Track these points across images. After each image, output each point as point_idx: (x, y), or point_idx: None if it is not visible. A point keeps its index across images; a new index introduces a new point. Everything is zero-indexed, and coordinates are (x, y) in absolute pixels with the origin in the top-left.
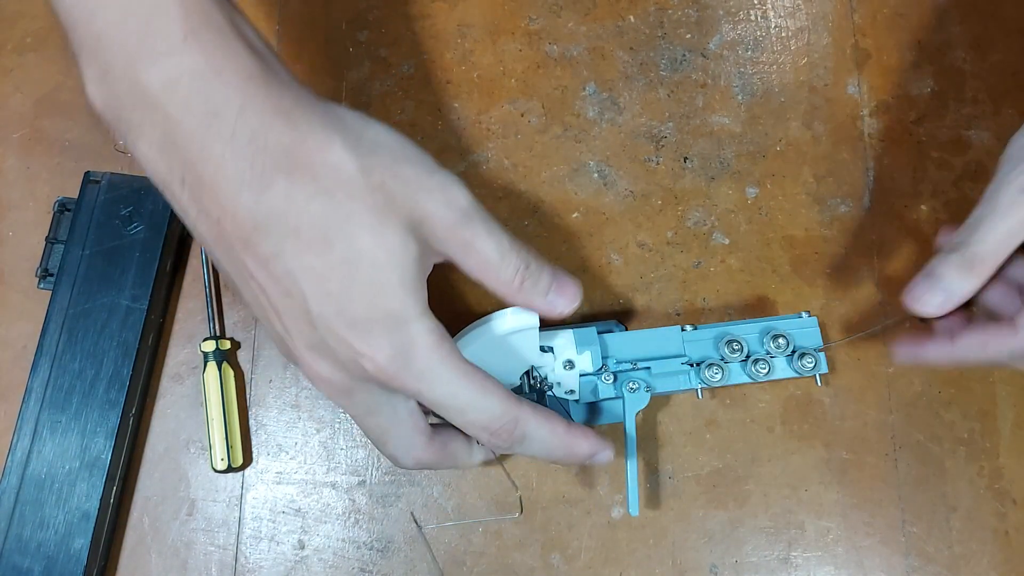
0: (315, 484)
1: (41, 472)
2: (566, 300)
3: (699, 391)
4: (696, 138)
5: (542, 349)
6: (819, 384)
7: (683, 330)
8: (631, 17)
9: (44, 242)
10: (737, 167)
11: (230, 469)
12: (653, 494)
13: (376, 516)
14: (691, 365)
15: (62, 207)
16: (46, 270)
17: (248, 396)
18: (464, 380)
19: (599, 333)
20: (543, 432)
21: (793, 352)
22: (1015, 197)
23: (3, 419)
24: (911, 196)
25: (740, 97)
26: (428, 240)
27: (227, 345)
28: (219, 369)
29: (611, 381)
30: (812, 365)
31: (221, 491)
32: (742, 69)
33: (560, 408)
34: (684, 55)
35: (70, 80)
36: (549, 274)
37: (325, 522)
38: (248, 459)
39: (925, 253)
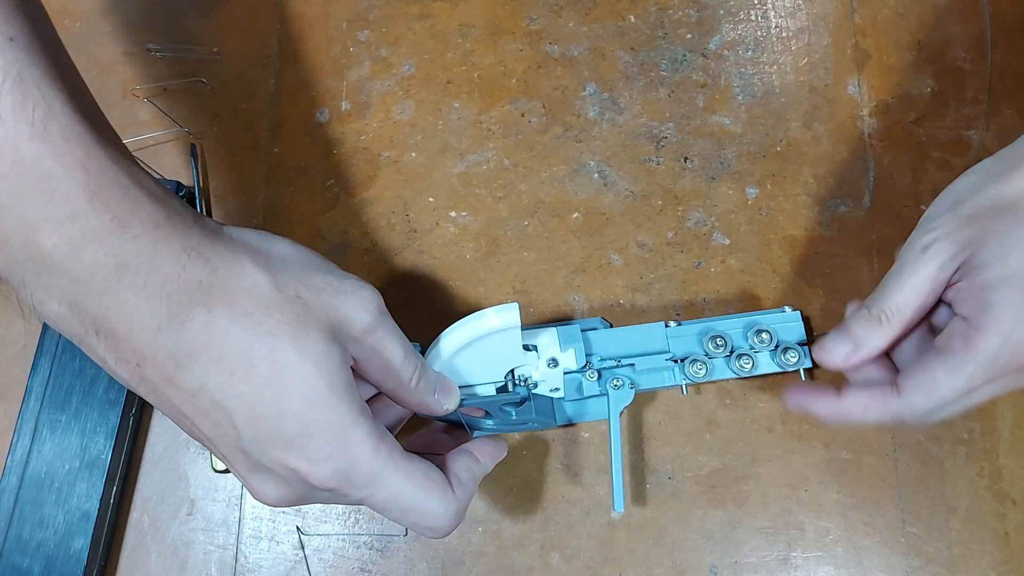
0: None
1: (41, 471)
2: (450, 399)
3: (684, 387)
4: (696, 138)
5: (526, 348)
6: (803, 379)
7: (667, 326)
8: (631, 17)
9: None
10: (737, 167)
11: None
12: (653, 494)
13: (376, 516)
14: (675, 361)
15: None
16: None
17: None
18: (408, 485)
19: (583, 331)
20: (472, 494)
21: (777, 347)
22: (918, 255)
23: (3, 418)
24: (911, 196)
25: (740, 97)
26: (347, 344)
27: None
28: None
29: (595, 378)
30: (796, 360)
31: (221, 491)
32: (742, 69)
33: (547, 406)
34: (684, 55)
35: None
36: (434, 375)
37: (325, 522)
38: None
39: None
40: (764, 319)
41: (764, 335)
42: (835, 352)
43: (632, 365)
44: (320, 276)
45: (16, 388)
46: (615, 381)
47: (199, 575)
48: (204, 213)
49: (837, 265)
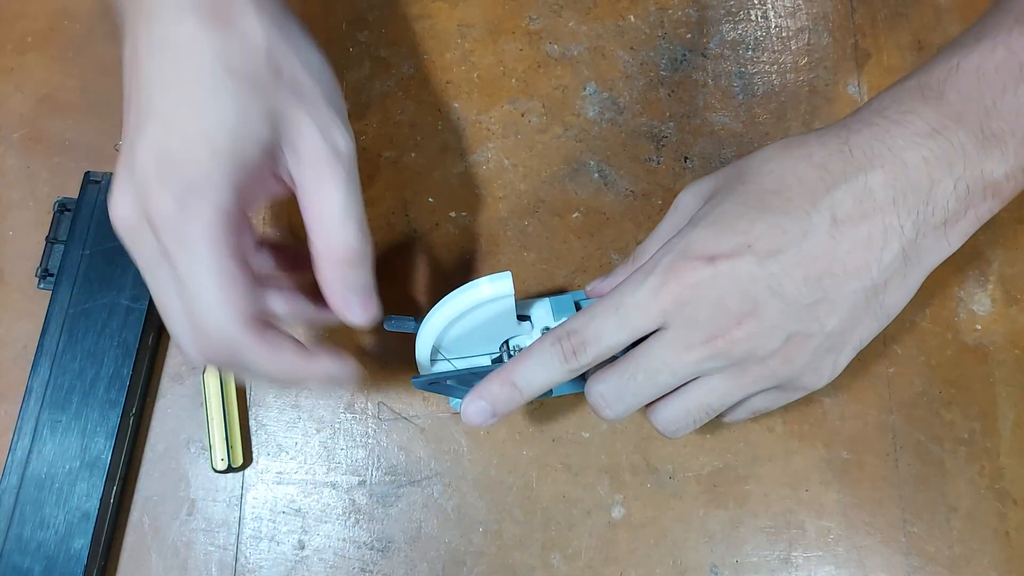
0: (315, 484)
1: (41, 472)
2: (364, 311)
3: None
4: (696, 138)
5: (520, 318)
6: None
7: None
8: (631, 17)
9: (44, 242)
10: None
11: (230, 469)
12: (654, 494)
13: (376, 516)
14: None
15: (62, 207)
16: (46, 270)
17: (248, 396)
18: (213, 271)
19: (576, 302)
20: (267, 366)
21: None
22: (671, 209)
23: (3, 419)
24: None
25: (740, 97)
26: (282, 148)
27: None
28: (219, 369)
29: None
30: None
31: (221, 491)
32: (742, 69)
33: None
34: (684, 55)
35: (70, 80)
36: (369, 279)
37: (325, 522)
38: (248, 459)
39: None
40: None
41: None
42: (594, 284)
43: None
44: (313, 84)
45: (16, 388)
46: None
47: (199, 575)
48: None
49: None
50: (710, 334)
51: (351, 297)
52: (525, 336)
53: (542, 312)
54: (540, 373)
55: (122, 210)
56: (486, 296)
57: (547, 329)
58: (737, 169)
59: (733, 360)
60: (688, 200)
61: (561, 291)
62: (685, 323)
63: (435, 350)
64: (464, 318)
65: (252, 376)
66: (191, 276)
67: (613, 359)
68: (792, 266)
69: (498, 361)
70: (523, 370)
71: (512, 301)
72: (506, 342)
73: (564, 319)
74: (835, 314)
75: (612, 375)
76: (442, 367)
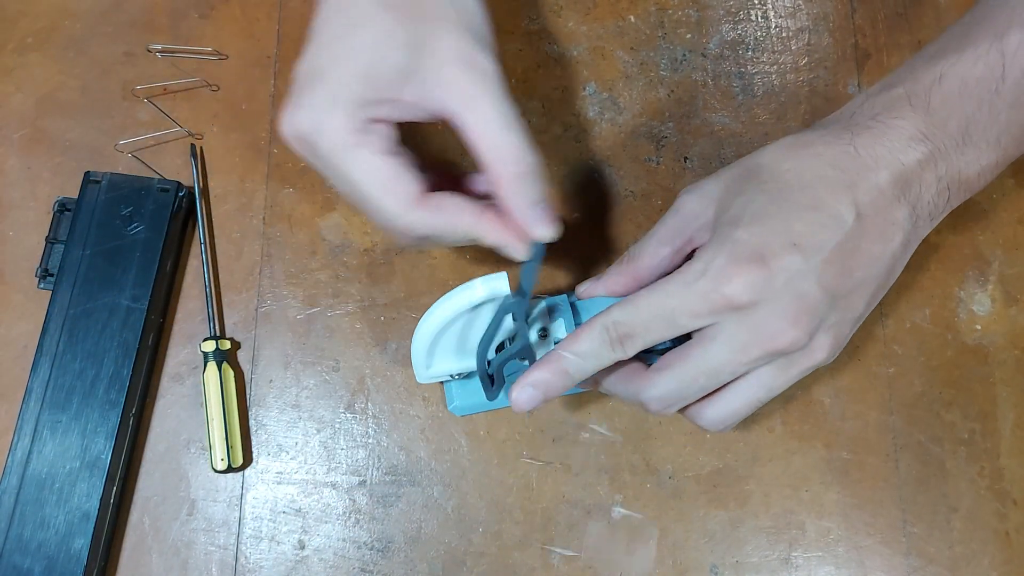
0: (315, 484)
1: (41, 472)
2: (550, 223)
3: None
4: (696, 138)
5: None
6: None
7: None
8: (631, 17)
9: (44, 242)
10: None
11: (230, 469)
12: (654, 494)
13: (376, 516)
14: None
15: (62, 207)
16: (46, 270)
17: (248, 396)
18: (366, 172)
19: (571, 303)
20: (447, 231)
21: None
22: (668, 212)
23: (3, 419)
24: None
25: (740, 97)
26: (429, 78)
27: (227, 345)
28: (219, 369)
29: None
30: None
31: (221, 491)
32: (742, 69)
33: None
34: (684, 55)
35: (71, 80)
36: (543, 188)
37: (325, 522)
38: (248, 459)
39: (924, 253)
40: None
41: None
42: (586, 285)
43: None
44: (457, 20)
45: (16, 388)
46: None
47: (200, 575)
48: (204, 213)
49: None
50: (768, 335)
51: (535, 211)
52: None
53: (538, 312)
54: (590, 359)
55: (285, 126)
56: (481, 296)
57: (544, 329)
58: (746, 170)
59: (786, 355)
60: (693, 202)
61: (558, 292)
62: (743, 324)
63: (431, 353)
64: (460, 319)
65: (451, 242)
66: (351, 181)
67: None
68: (832, 259)
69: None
70: (573, 356)
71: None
72: (503, 343)
73: (560, 319)
74: (863, 300)
75: (671, 380)
76: (439, 369)
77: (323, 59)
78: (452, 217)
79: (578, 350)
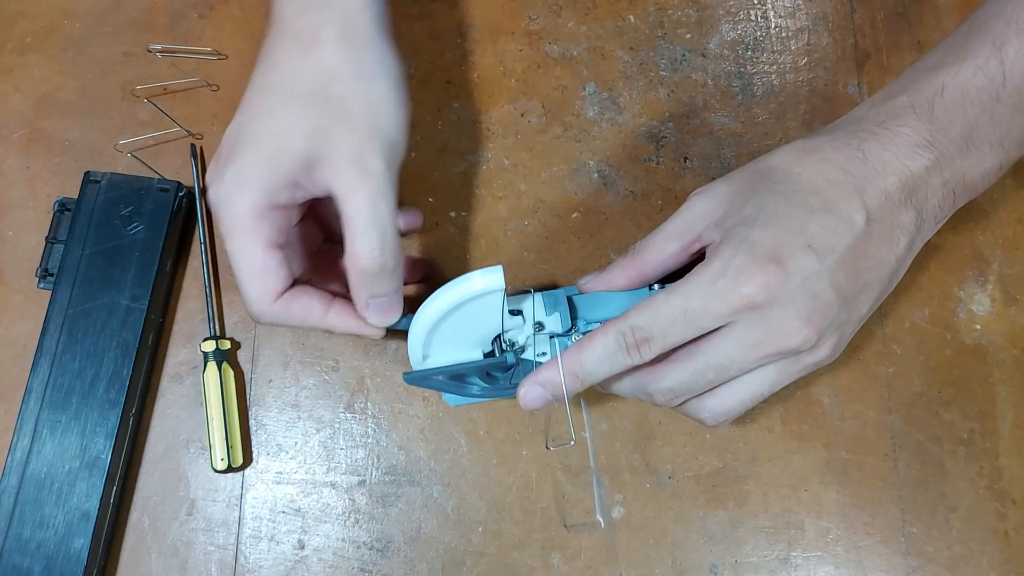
0: (315, 484)
1: (41, 472)
2: (379, 318)
3: None
4: (696, 138)
5: (512, 313)
6: None
7: (651, 289)
8: (631, 17)
9: (44, 242)
10: (737, 167)
11: (230, 469)
12: (653, 494)
13: (376, 516)
14: None
15: (62, 207)
16: (46, 270)
17: (248, 396)
18: (246, 259)
19: (567, 296)
20: (296, 323)
21: None
22: (680, 209)
23: (3, 419)
24: None
25: (740, 97)
26: (322, 162)
27: (227, 345)
28: (219, 369)
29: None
30: None
31: (221, 491)
32: (742, 69)
33: (531, 368)
34: (684, 55)
35: (70, 80)
36: (390, 288)
37: (325, 522)
38: (248, 459)
39: (924, 253)
40: None
41: None
42: (588, 279)
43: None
44: (367, 130)
45: (16, 388)
46: None
47: (199, 575)
48: (204, 213)
49: None
50: (782, 334)
51: (370, 303)
52: (518, 331)
53: (533, 307)
54: (603, 364)
55: (211, 194)
56: (477, 290)
57: (540, 324)
58: (757, 172)
59: (796, 353)
60: (704, 202)
61: (554, 286)
62: (756, 323)
63: (427, 345)
64: (456, 312)
65: (307, 329)
66: (233, 259)
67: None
68: (844, 261)
69: (490, 356)
70: (585, 361)
71: (502, 295)
72: (498, 337)
73: (556, 313)
74: (868, 301)
75: (681, 373)
76: (434, 362)
77: (241, 136)
78: (301, 313)
79: (591, 356)
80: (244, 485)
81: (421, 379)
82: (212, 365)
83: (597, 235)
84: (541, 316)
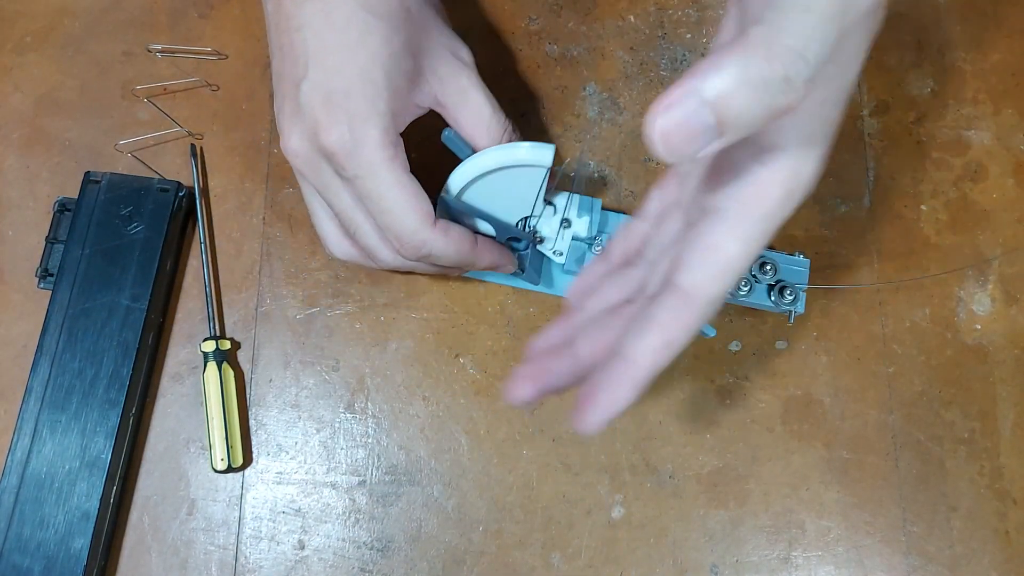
0: (315, 484)
1: (41, 471)
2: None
3: None
4: None
5: (546, 202)
6: (791, 322)
7: None
8: (631, 17)
9: (44, 242)
10: None
11: (230, 469)
12: (654, 493)
13: (376, 516)
14: None
15: (62, 207)
16: (46, 270)
17: (248, 396)
18: (396, 188)
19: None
20: (449, 253)
21: (776, 284)
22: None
23: (3, 419)
24: (911, 196)
25: None
26: (426, 74)
27: (227, 345)
28: (219, 369)
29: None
30: (792, 299)
31: (221, 491)
32: None
33: (539, 263)
34: (684, 55)
35: (70, 79)
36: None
37: (325, 522)
38: (248, 459)
39: (925, 253)
40: (773, 255)
41: (768, 268)
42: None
43: None
44: (433, 12)
45: (16, 388)
46: None
47: (199, 575)
48: (204, 213)
49: (837, 265)
50: None
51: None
52: (545, 221)
53: (567, 203)
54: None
55: (295, 145)
56: (522, 158)
57: (567, 221)
58: None
59: None
60: None
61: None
62: None
63: (463, 192)
64: (495, 174)
65: (435, 266)
66: (379, 194)
67: None
68: None
69: (509, 230)
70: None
71: (544, 174)
72: (525, 220)
73: (588, 218)
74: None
75: None
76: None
77: (339, 74)
78: (457, 241)
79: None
80: (244, 485)
81: (454, 207)
82: (212, 365)
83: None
84: (572, 215)
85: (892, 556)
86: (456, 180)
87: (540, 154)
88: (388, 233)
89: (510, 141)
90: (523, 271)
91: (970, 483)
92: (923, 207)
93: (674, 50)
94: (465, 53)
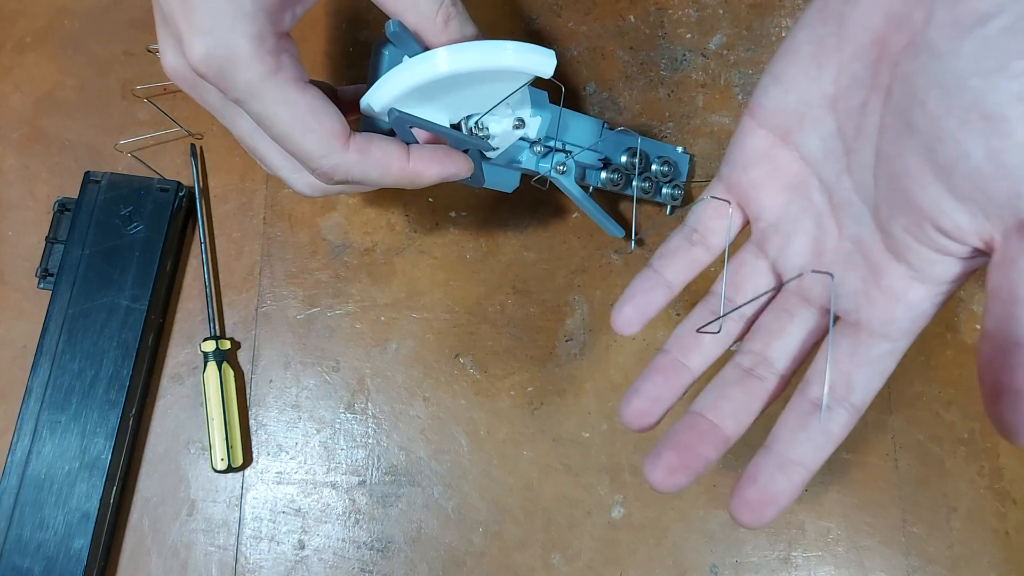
0: (315, 484)
1: (41, 472)
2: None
3: (591, 189)
4: (696, 138)
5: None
6: (668, 214)
7: (603, 127)
8: (631, 17)
9: (44, 242)
10: None
11: (230, 469)
12: (654, 493)
13: (376, 516)
14: (603, 164)
15: (62, 207)
16: (46, 270)
17: (248, 396)
18: (286, 107)
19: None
20: (372, 175)
21: (670, 180)
22: None
23: (3, 419)
24: None
25: (740, 97)
26: None
27: (227, 345)
28: (219, 369)
29: (541, 155)
30: (678, 197)
31: (221, 491)
32: (742, 69)
33: (477, 159)
34: (684, 55)
35: (70, 79)
36: (473, 26)
37: (325, 522)
38: (248, 459)
39: None
40: (667, 150)
41: (667, 167)
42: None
43: (570, 152)
44: None
45: (16, 388)
46: (560, 167)
47: (199, 575)
48: (204, 213)
49: None
50: None
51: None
52: (494, 119)
53: (524, 99)
54: None
55: (172, 62)
56: (509, 64)
57: (520, 120)
58: None
59: None
60: None
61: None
62: None
63: (404, 100)
64: (476, 73)
65: (363, 186)
66: (267, 117)
67: None
68: None
69: (456, 129)
70: None
71: (527, 81)
72: (470, 116)
73: (539, 118)
74: None
75: None
76: (407, 107)
77: None
78: (383, 159)
79: None
80: (244, 485)
81: (380, 124)
82: (212, 365)
83: (597, 235)
84: (526, 113)
85: (892, 557)
86: (395, 84)
87: (538, 61)
88: (298, 160)
89: (452, 18)
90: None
91: (970, 483)
92: None
93: (674, 50)
94: None
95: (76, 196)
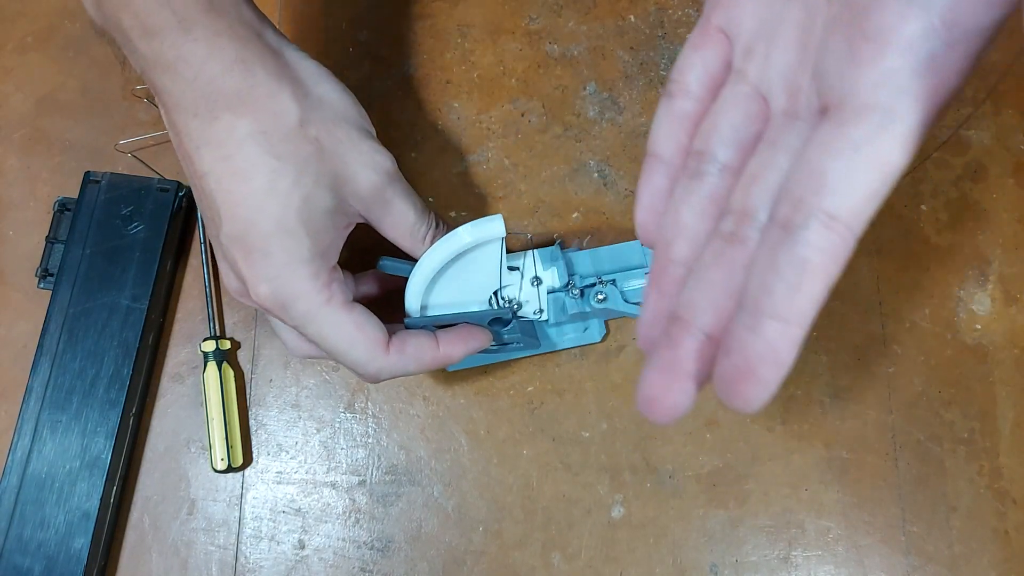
0: (315, 484)
1: (41, 472)
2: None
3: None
4: None
5: (509, 269)
6: None
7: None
8: (631, 17)
9: (44, 242)
10: None
11: (230, 469)
12: (654, 493)
13: (376, 516)
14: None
15: (62, 207)
16: (46, 270)
17: (248, 396)
18: (337, 328)
19: (562, 252)
20: (410, 368)
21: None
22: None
23: (3, 419)
24: (911, 196)
25: None
26: (348, 199)
27: (227, 345)
28: (219, 369)
29: (578, 295)
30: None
31: (221, 491)
32: None
33: (531, 328)
34: None
35: (71, 80)
36: (443, 226)
37: (325, 522)
38: (248, 459)
39: (925, 253)
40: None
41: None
42: None
43: (613, 282)
44: (345, 129)
45: (16, 388)
46: (600, 296)
47: (200, 575)
48: None
49: None
50: None
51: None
52: (514, 286)
53: (530, 262)
54: None
55: (234, 286)
56: (467, 243)
57: (537, 278)
58: None
59: None
60: None
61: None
62: None
63: (426, 295)
64: (453, 265)
65: (406, 375)
66: (322, 338)
67: None
68: None
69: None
70: None
71: (501, 246)
72: (495, 293)
73: (554, 268)
74: None
75: None
76: (436, 311)
77: (255, 227)
78: (416, 352)
79: None
80: (244, 485)
81: (421, 325)
82: (212, 365)
83: (597, 235)
84: (539, 271)
85: (892, 556)
86: (412, 296)
87: (488, 229)
88: (347, 366)
89: (436, 237)
90: (519, 342)
91: (970, 483)
92: (923, 207)
93: (674, 50)
94: (384, 159)
95: (76, 196)
